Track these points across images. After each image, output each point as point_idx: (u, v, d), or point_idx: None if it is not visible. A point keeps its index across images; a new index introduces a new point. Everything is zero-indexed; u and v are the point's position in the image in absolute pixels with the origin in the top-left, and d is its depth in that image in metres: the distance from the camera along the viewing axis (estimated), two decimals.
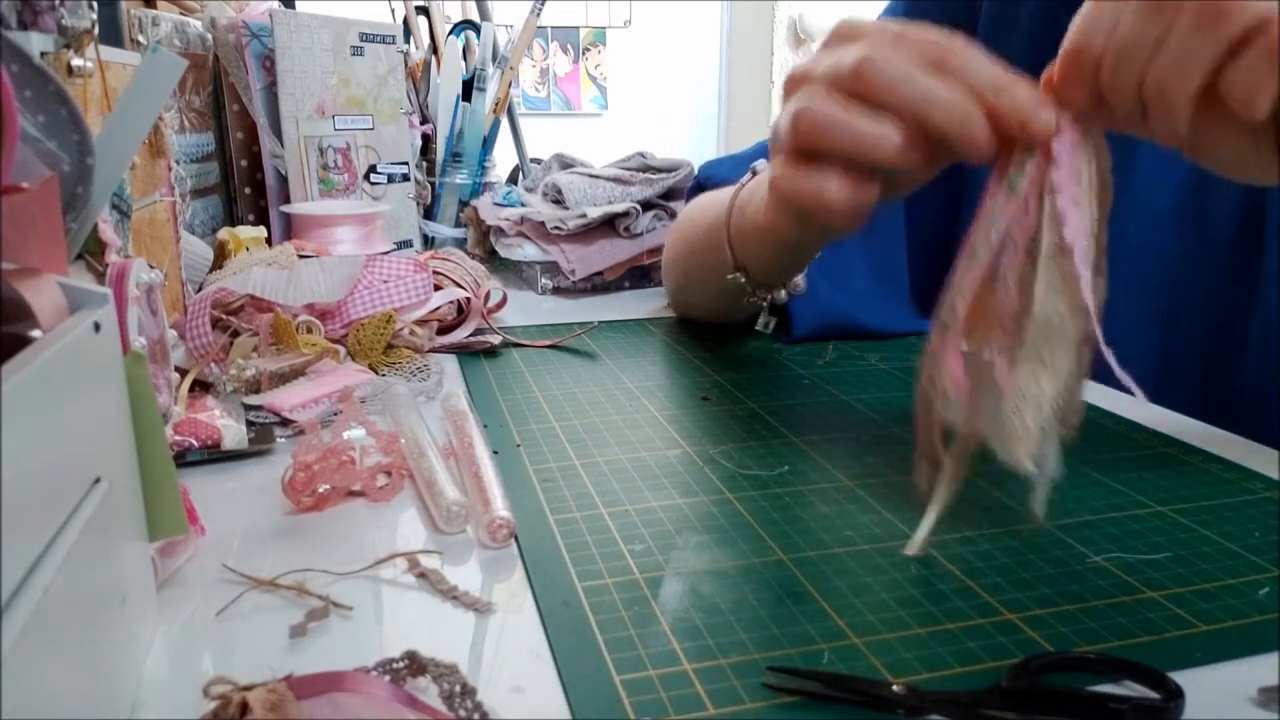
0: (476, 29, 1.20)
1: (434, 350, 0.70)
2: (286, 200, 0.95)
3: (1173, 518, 0.44)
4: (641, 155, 1.04)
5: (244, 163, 0.97)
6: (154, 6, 0.87)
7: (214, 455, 0.50)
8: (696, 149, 4.25)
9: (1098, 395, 0.62)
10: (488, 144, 1.17)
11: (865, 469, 0.50)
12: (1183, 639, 0.34)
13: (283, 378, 0.59)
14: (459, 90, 1.14)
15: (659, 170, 1.01)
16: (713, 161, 0.85)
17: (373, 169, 1.01)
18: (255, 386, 0.58)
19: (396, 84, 1.02)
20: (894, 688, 0.31)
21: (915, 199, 0.75)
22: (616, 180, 0.98)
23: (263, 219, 0.97)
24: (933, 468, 0.41)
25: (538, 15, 1.17)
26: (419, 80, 1.14)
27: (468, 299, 0.75)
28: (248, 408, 0.56)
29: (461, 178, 1.14)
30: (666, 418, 0.58)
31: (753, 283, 0.63)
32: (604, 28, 4.30)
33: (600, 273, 0.93)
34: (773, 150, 0.47)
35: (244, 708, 0.27)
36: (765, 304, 0.65)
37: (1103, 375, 0.64)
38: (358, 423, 0.48)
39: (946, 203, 0.74)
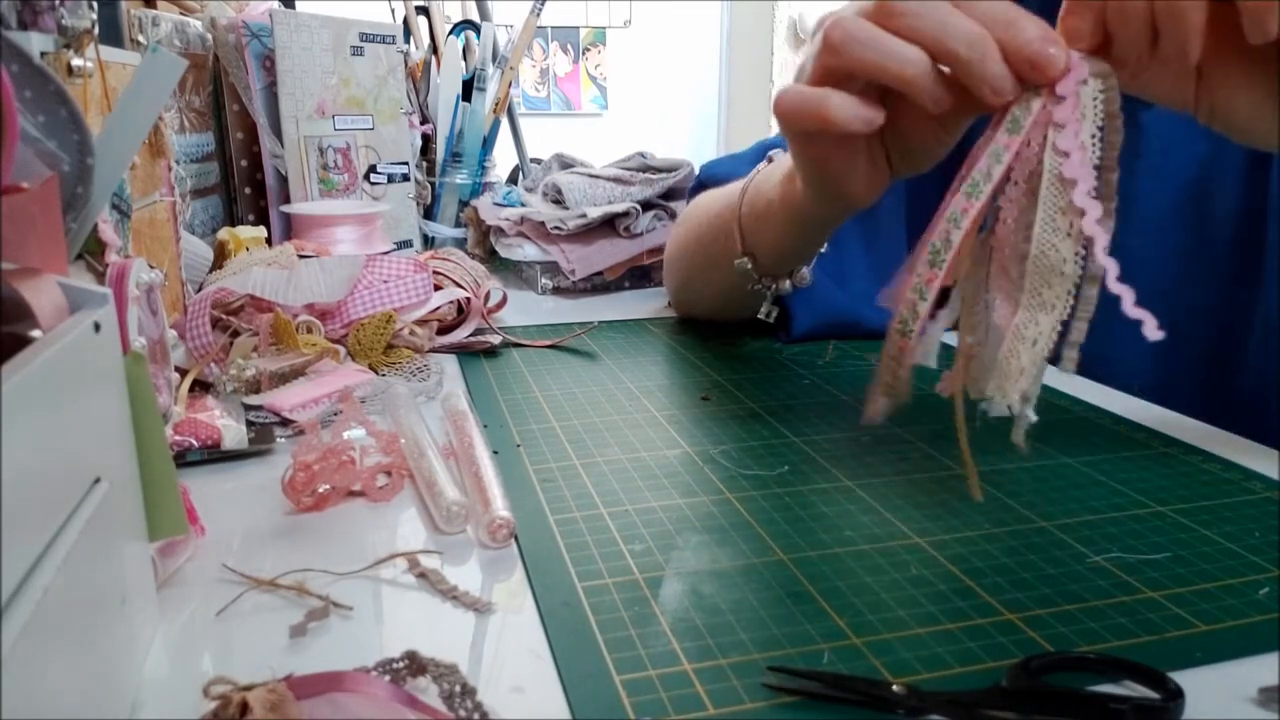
0: (476, 29, 1.20)
1: (434, 350, 0.70)
2: (286, 200, 0.95)
3: (1173, 518, 0.44)
4: (641, 155, 1.04)
5: (244, 163, 0.97)
6: (154, 6, 0.87)
7: (214, 455, 0.50)
8: (696, 149, 4.25)
9: (1098, 395, 0.62)
10: (488, 144, 1.17)
11: (865, 469, 0.50)
12: (1183, 639, 0.34)
13: (283, 378, 0.59)
14: (459, 90, 1.14)
15: (659, 170, 1.01)
16: (714, 161, 0.85)
17: (373, 169, 1.01)
18: (255, 386, 0.58)
19: (396, 84, 1.02)
20: (894, 688, 0.31)
21: (917, 200, 0.76)
22: (616, 180, 0.98)
23: (263, 219, 0.97)
24: (890, 399, 0.42)
25: (538, 15, 1.17)
26: (419, 80, 1.14)
27: (468, 299, 0.75)
28: (248, 408, 0.56)
29: (461, 178, 1.14)
30: (666, 418, 0.58)
31: (759, 269, 0.63)
32: (604, 28, 4.30)
33: (600, 273, 0.93)
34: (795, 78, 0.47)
35: (244, 708, 0.27)
36: (770, 292, 0.65)
37: (1103, 375, 0.64)
38: (358, 423, 0.48)
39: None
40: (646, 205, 0.96)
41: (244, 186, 0.98)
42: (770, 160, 0.63)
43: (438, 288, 0.73)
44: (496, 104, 1.17)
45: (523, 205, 1.02)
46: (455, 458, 0.48)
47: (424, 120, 1.14)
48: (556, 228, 0.93)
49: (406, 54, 1.06)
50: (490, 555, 0.41)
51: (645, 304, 0.89)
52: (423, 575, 0.39)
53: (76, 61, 0.45)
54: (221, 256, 0.80)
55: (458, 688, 0.30)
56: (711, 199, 0.72)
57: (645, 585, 0.38)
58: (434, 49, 1.22)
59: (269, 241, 0.87)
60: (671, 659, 0.33)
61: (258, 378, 0.58)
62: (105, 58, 0.50)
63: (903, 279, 0.42)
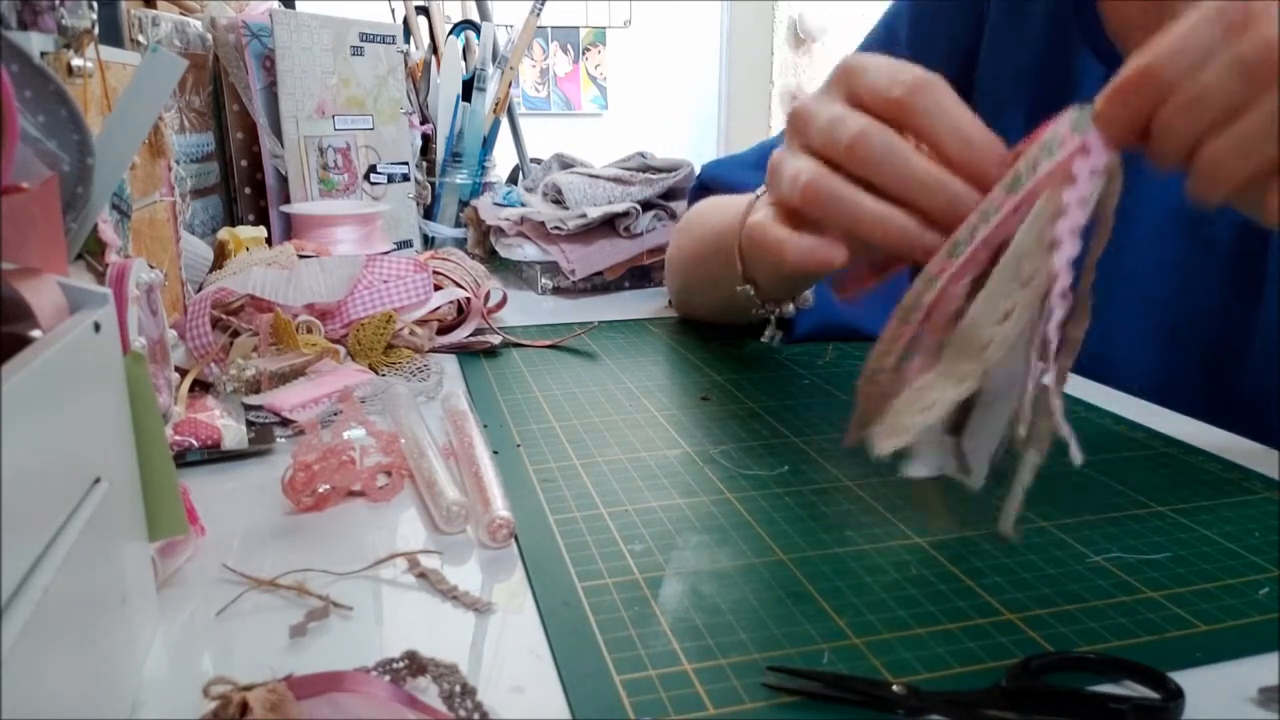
0: (476, 29, 1.20)
1: (434, 350, 0.70)
2: (286, 200, 0.95)
3: (1173, 518, 0.44)
4: (641, 155, 1.04)
5: (244, 163, 0.97)
6: (154, 6, 0.87)
7: (214, 455, 0.50)
8: (696, 149, 4.25)
9: (1098, 395, 0.62)
10: (488, 144, 1.17)
11: (865, 469, 0.50)
12: (1183, 639, 0.34)
13: (283, 378, 0.59)
14: (459, 90, 1.14)
15: (659, 170, 1.01)
16: (715, 162, 0.85)
17: (373, 169, 1.01)
18: (255, 386, 0.58)
19: (396, 84, 1.02)
20: (894, 688, 0.31)
21: None
22: (616, 180, 0.98)
23: (263, 219, 0.97)
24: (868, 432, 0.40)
25: (538, 15, 1.17)
26: (419, 80, 1.14)
27: (468, 299, 0.75)
28: (248, 408, 0.56)
29: (461, 178, 1.14)
30: (666, 418, 0.58)
31: (762, 294, 0.63)
32: (604, 28, 4.30)
33: (600, 273, 0.93)
34: (769, 184, 0.47)
35: (244, 708, 0.27)
36: (773, 316, 0.65)
37: (1103, 375, 0.64)
38: (358, 423, 0.48)
39: None
40: (646, 205, 0.96)
41: (244, 186, 0.98)
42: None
43: (438, 288, 0.73)
44: (496, 104, 1.17)
45: (523, 205, 1.02)
46: (455, 458, 0.48)
47: (424, 120, 1.14)
48: (556, 228, 0.93)
49: (406, 54, 1.06)
50: (490, 555, 0.41)
51: (645, 304, 0.90)
52: (423, 575, 0.39)
53: (76, 61, 0.45)
54: (221, 256, 0.80)
55: (458, 688, 0.30)
56: (713, 213, 0.72)
57: (645, 585, 0.38)
58: (434, 49, 1.22)
59: (269, 241, 0.87)
60: (671, 659, 0.33)
61: (258, 378, 0.58)
62: (105, 58, 0.50)
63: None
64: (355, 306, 0.68)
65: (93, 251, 0.43)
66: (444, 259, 0.78)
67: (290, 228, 0.91)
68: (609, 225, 0.94)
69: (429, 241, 1.12)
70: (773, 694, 0.31)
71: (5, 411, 0.21)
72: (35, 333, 0.27)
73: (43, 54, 0.42)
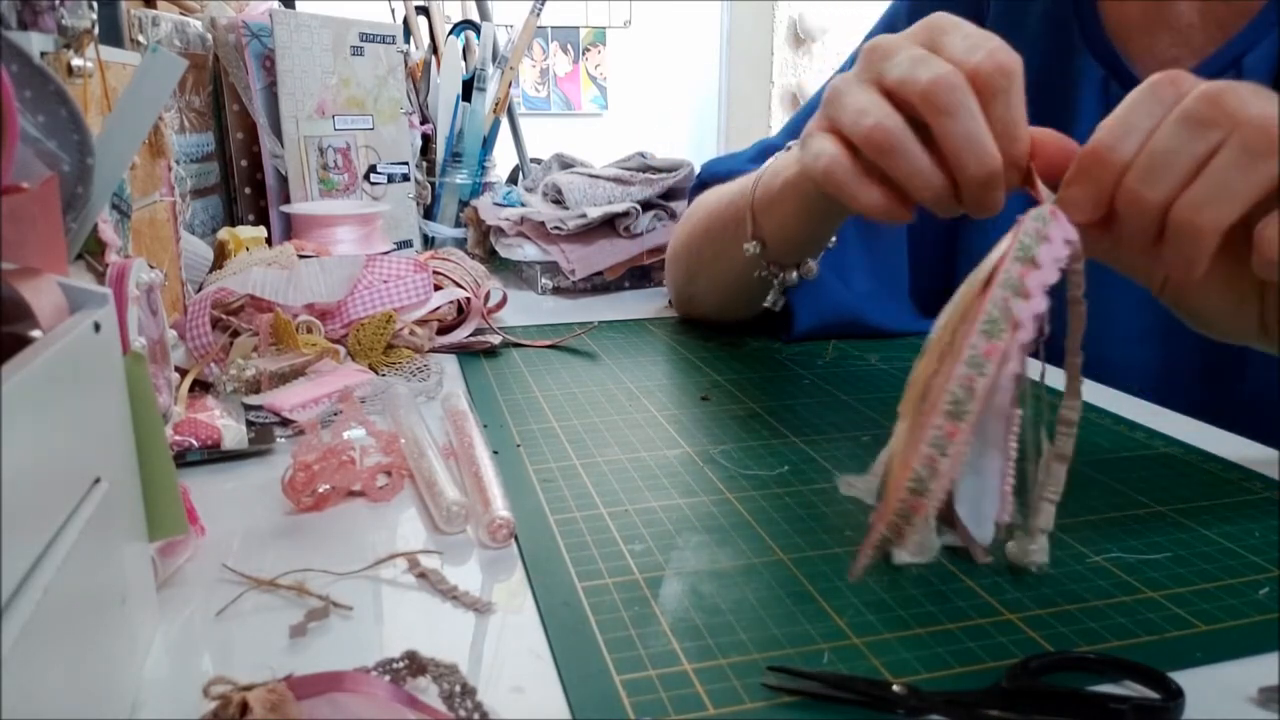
0: (476, 29, 1.20)
1: (434, 350, 0.70)
2: (286, 200, 0.95)
3: (1173, 518, 0.44)
4: (641, 155, 1.04)
5: (244, 163, 0.97)
6: (154, 6, 0.87)
7: (214, 455, 0.50)
8: (696, 149, 4.25)
9: (1098, 395, 0.62)
10: (488, 144, 1.17)
11: (865, 469, 0.50)
12: (1183, 639, 0.34)
13: (283, 378, 0.59)
14: (459, 90, 1.14)
15: (659, 170, 1.01)
16: (714, 160, 0.85)
17: (373, 169, 1.01)
18: (255, 386, 0.58)
19: (396, 84, 1.02)
20: (894, 688, 0.31)
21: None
22: (616, 180, 0.98)
23: (263, 219, 0.97)
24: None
25: (538, 15, 1.17)
26: (419, 80, 1.14)
27: (468, 299, 0.75)
28: (248, 408, 0.56)
29: (461, 178, 1.14)
30: (666, 418, 0.58)
31: (768, 255, 0.63)
32: (604, 28, 4.30)
33: (600, 273, 0.93)
34: (827, 105, 0.45)
35: (244, 708, 0.27)
36: (777, 280, 0.65)
37: (1103, 375, 0.64)
38: (358, 423, 0.48)
39: None
40: (646, 205, 0.96)
41: (244, 186, 0.98)
42: (789, 149, 0.64)
43: (438, 288, 0.73)
44: (496, 104, 1.17)
45: (523, 205, 1.02)
46: (455, 458, 0.48)
47: (424, 120, 1.14)
48: (556, 228, 0.93)
49: (406, 54, 1.06)
50: (490, 555, 0.41)
51: (645, 304, 0.89)
52: (423, 575, 0.39)
53: (76, 61, 0.45)
54: (221, 256, 0.80)
55: (458, 688, 0.30)
56: (720, 191, 0.72)
57: (645, 585, 0.38)
58: (434, 49, 1.22)
59: (269, 241, 0.87)
60: (671, 659, 0.33)
61: (258, 378, 0.58)
62: (105, 58, 0.50)
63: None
64: (355, 306, 0.68)
65: (93, 251, 0.43)
66: (444, 259, 0.78)
67: (290, 228, 0.91)
68: (609, 225, 0.94)
69: (429, 241, 1.12)
70: (773, 694, 0.31)
71: (5, 411, 0.21)
72: (35, 333, 0.27)
73: (43, 54, 0.42)
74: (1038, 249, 0.36)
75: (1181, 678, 0.31)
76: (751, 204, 0.63)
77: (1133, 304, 0.66)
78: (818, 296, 0.72)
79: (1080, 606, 0.36)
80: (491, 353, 0.72)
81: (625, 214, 0.93)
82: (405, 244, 1.03)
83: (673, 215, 0.97)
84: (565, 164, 1.11)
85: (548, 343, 0.74)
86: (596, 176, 0.99)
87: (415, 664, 0.31)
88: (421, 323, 0.71)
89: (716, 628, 0.35)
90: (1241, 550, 0.41)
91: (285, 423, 0.55)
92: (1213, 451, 0.52)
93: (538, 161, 1.24)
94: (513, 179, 1.26)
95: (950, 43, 0.42)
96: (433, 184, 1.14)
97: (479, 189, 1.15)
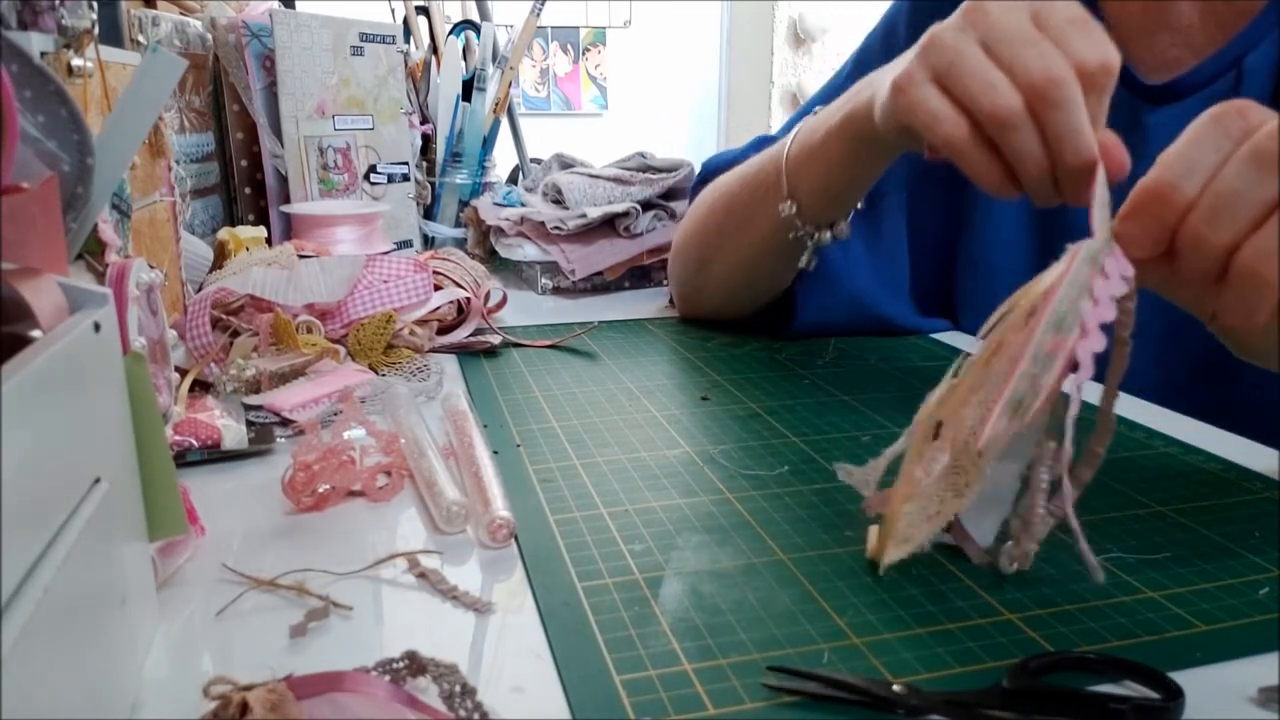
0: (476, 29, 1.20)
1: (434, 350, 0.70)
2: (286, 200, 0.95)
3: (1173, 518, 0.44)
4: (641, 155, 1.04)
5: (244, 163, 0.97)
6: (154, 6, 0.87)
7: (214, 455, 0.50)
8: (696, 149, 4.25)
9: (1099, 395, 0.62)
10: (488, 144, 1.17)
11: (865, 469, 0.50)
12: (1183, 639, 0.34)
13: (283, 378, 0.59)
14: (459, 90, 1.14)
15: (659, 170, 1.01)
16: (716, 155, 0.85)
17: (373, 169, 1.01)
18: (255, 386, 0.58)
19: (396, 84, 1.02)
20: (894, 688, 0.31)
21: (919, 201, 0.75)
22: (616, 180, 0.98)
23: (263, 219, 0.97)
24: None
25: (538, 15, 1.17)
26: (419, 80, 1.14)
27: (468, 299, 0.75)
28: (248, 408, 0.56)
29: (461, 178, 1.14)
30: (666, 418, 0.58)
31: (803, 215, 0.63)
32: (604, 28, 4.30)
33: (600, 273, 0.93)
34: (923, 50, 0.45)
35: (244, 708, 0.27)
36: (812, 240, 0.65)
37: (1103, 376, 0.64)
38: (358, 423, 0.48)
39: (949, 205, 0.74)
40: (646, 205, 0.96)
41: (244, 186, 0.98)
42: (816, 113, 0.64)
43: (438, 288, 0.73)
44: (496, 104, 1.17)
45: (523, 205, 1.02)
46: (455, 458, 0.48)
47: (424, 120, 1.14)
48: (556, 228, 0.93)
49: (406, 54, 1.06)
50: (490, 555, 0.41)
51: (645, 304, 0.89)
52: (423, 575, 0.39)
53: (76, 61, 0.45)
54: (221, 256, 0.80)
55: (458, 688, 0.30)
56: (736, 171, 0.73)
57: (645, 585, 0.38)
58: (434, 49, 1.22)
59: (269, 241, 0.87)
60: (671, 659, 0.33)
61: (258, 378, 0.58)
62: (105, 58, 0.50)
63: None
64: (355, 306, 0.68)
65: (93, 251, 0.43)
66: (444, 259, 0.78)
67: (290, 228, 0.91)
68: (609, 225, 0.94)
69: (429, 241, 1.12)
70: (773, 694, 0.31)
71: (5, 411, 0.21)
72: (35, 333, 0.27)
73: (43, 54, 0.42)
74: (1094, 286, 0.35)
75: (1181, 678, 0.31)
76: (785, 161, 0.63)
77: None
78: (820, 290, 0.72)
79: (1080, 606, 0.36)
80: (491, 353, 0.72)
81: (625, 214, 0.93)
82: (405, 244, 1.03)
83: (673, 215, 0.96)
84: (565, 164, 1.11)
85: (548, 343, 0.74)
86: (596, 176, 0.99)
87: (415, 664, 0.31)
88: (421, 323, 0.71)
89: (716, 628, 0.35)
90: (1241, 550, 0.41)
91: (285, 423, 0.55)
92: (1213, 451, 0.52)
93: (538, 161, 1.24)
94: (513, 179, 1.26)
95: (1056, 22, 0.42)
96: (433, 184, 1.14)
97: (479, 189, 1.15)
